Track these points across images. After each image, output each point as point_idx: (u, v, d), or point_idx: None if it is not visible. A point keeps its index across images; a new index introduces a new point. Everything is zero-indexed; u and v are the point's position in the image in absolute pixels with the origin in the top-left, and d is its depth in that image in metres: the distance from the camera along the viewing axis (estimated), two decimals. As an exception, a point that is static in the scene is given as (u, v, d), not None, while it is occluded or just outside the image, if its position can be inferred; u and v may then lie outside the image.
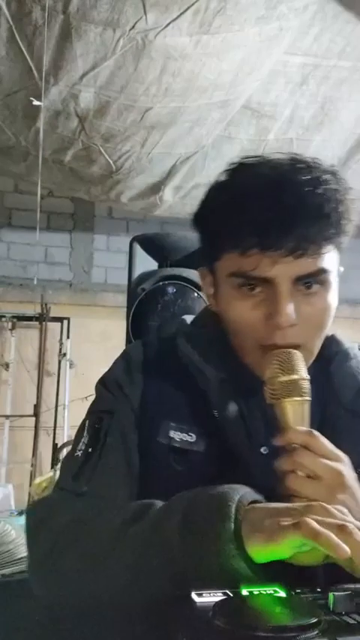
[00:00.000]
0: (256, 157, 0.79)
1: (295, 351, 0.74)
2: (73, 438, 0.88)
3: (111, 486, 0.79)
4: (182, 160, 3.51)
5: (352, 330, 5.14)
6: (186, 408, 0.83)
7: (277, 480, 0.69)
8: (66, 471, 0.84)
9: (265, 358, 0.74)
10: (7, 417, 4.28)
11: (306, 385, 0.72)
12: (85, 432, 0.85)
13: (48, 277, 4.66)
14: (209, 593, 0.53)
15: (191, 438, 0.81)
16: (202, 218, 0.82)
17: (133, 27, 2.49)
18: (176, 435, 0.81)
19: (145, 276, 2.22)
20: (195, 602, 0.51)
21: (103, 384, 0.90)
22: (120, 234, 4.86)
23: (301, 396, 0.71)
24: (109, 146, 3.31)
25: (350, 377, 0.86)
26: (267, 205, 0.71)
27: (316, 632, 0.45)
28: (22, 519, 2.60)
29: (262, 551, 0.57)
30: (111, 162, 3.44)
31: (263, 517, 0.59)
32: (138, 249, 2.28)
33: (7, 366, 4.39)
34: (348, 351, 0.90)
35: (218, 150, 3.47)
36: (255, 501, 0.63)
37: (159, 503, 0.69)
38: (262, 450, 0.80)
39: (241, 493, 0.63)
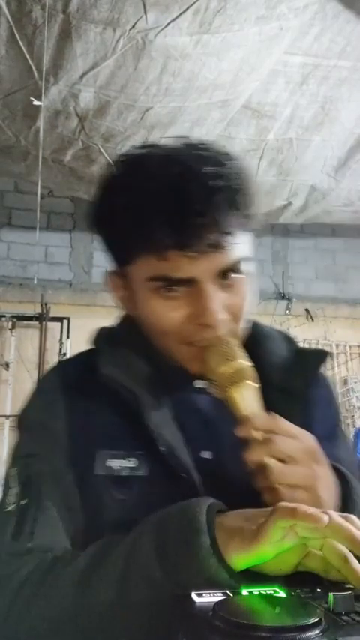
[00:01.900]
0: (145, 146, 0.76)
1: (231, 339, 0.72)
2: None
3: (57, 535, 0.71)
4: (182, 160, 3.51)
5: (352, 330, 5.17)
6: (119, 431, 0.76)
7: (227, 484, 0.67)
8: (1, 531, 0.72)
9: (197, 354, 0.72)
10: (7, 417, 4.28)
11: (252, 371, 0.70)
12: (15, 481, 0.75)
13: (48, 277, 4.67)
14: (209, 593, 0.53)
15: (131, 462, 0.74)
16: (105, 220, 0.76)
17: (133, 27, 2.49)
18: (114, 464, 0.74)
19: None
20: (195, 602, 0.51)
21: (22, 424, 0.82)
22: (120, 234, 4.85)
23: (252, 381, 0.69)
24: (109, 146, 3.31)
25: (276, 356, 0.83)
26: (177, 203, 0.67)
27: (316, 632, 0.45)
28: None
29: (242, 557, 0.56)
30: (111, 162, 3.44)
31: (237, 523, 0.58)
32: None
33: (7, 365, 4.39)
34: (270, 332, 0.88)
35: (218, 150, 3.47)
36: (221, 511, 0.61)
37: (115, 538, 0.65)
38: (206, 455, 0.76)
39: (207, 504, 0.60)
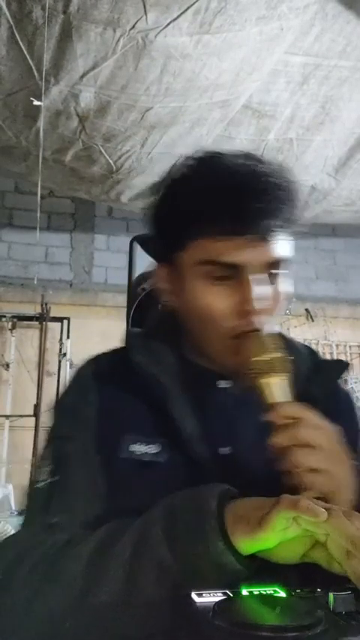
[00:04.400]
0: (211, 152, 0.81)
1: (271, 332, 0.76)
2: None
3: (81, 513, 0.76)
4: (182, 160, 3.51)
5: (352, 330, 5.16)
6: (145, 419, 0.81)
7: (242, 479, 0.70)
8: (33, 504, 0.81)
9: (232, 346, 0.76)
10: (7, 417, 4.29)
11: (286, 362, 0.74)
12: (47, 460, 0.82)
13: (48, 277, 4.67)
14: (209, 593, 0.53)
15: (153, 449, 0.79)
16: (166, 208, 0.82)
17: (134, 27, 2.49)
18: (138, 448, 0.79)
19: (145, 276, 2.22)
20: (195, 602, 0.51)
21: (58, 409, 0.89)
22: (120, 234, 4.86)
23: (286, 372, 0.73)
24: (109, 146, 3.31)
25: (299, 366, 0.85)
26: (240, 192, 0.74)
27: (316, 632, 0.45)
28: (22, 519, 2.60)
29: (248, 542, 0.58)
30: (111, 162, 3.44)
31: (245, 510, 0.61)
32: (138, 249, 2.28)
33: (7, 366, 4.39)
34: (294, 343, 0.92)
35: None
36: (233, 497, 0.64)
37: (127, 521, 0.68)
38: (225, 450, 0.80)
39: (219, 490, 0.64)
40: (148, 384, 0.82)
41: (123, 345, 0.91)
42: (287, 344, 0.87)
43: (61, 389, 0.91)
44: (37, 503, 0.79)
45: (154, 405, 0.81)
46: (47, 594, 0.66)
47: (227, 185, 0.75)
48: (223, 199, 0.74)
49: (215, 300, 0.76)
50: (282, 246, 0.77)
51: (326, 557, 0.58)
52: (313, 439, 0.68)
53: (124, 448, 0.79)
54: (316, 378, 0.86)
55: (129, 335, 0.92)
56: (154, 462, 0.78)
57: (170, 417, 0.79)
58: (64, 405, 0.88)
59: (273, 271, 0.77)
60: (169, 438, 0.79)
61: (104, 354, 0.92)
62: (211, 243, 0.75)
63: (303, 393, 0.80)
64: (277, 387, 0.72)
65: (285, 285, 0.80)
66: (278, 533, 0.57)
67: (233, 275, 0.75)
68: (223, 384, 0.83)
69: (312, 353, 0.93)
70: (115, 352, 0.92)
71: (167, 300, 0.86)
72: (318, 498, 0.61)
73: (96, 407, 0.83)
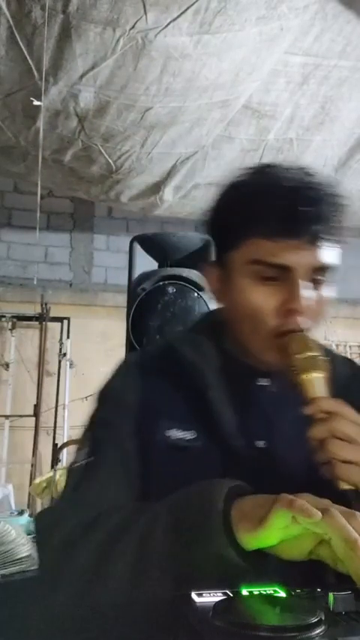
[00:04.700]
0: (268, 163, 0.87)
1: (312, 334, 0.81)
2: (73, 438, 0.89)
3: (110, 496, 0.81)
4: (182, 160, 3.51)
5: (352, 330, 5.16)
6: (184, 407, 0.86)
7: (275, 473, 0.73)
8: (68, 481, 0.87)
9: (275, 344, 0.80)
10: (7, 417, 4.28)
11: (325, 363, 0.78)
12: (86, 442, 0.87)
13: (48, 277, 4.67)
14: (209, 593, 0.53)
15: (190, 435, 0.83)
16: (224, 208, 0.86)
17: (133, 26, 2.49)
18: (175, 433, 0.83)
19: (145, 276, 2.22)
20: (195, 602, 0.51)
21: (102, 392, 0.93)
22: (120, 234, 4.86)
23: (326, 371, 0.77)
24: (108, 146, 3.30)
25: (338, 374, 0.88)
26: (295, 197, 0.78)
27: (316, 632, 0.45)
28: (22, 519, 2.60)
29: (251, 537, 0.60)
30: (111, 162, 3.44)
31: (249, 507, 0.63)
32: (138, 249, 2.28)
33: (7, 366, 4.39)
34: (333, 352, 0.95)
35: (218, 150, 3.46)
36: (243, 493, 0.66)
37: (144, 506, 0.72)
38: (260, 444, 0.83)
39: (228, 486, 0.66)
40: (189, 374, 0.86)
41: (168, 340, 0.96)
42: (326, 350, 0.92)
43: (105, 379, 0.95)
44: (73, 481, 0.85)
45: (194, 394, 0.85)
46: (64, 571, 0.72)
47: (284, 190, 0.79)
48: (279, 202, 0.78)
49: (263, 298, 0.80)
50: (329, 252, 0.81)
51: (332, 555, 0.59)
52: (349, 432, 0.70)
53: (161, 433, 0.83)
54: (353, 384, 0.90)
55: (175, 332, 0.98)
56: (189, 447, 0.82)
57: (209, 407, 0.83)
58: (107, 391, 0.92)
59: (319, 277, 0.81)
60: (206, 427, 0.83)
61: (150, 346, 0.98)
62: (264, 243, 0.79)
63: (340, 394, 0.83)
64: (318, 383, 0.76)
65: (329, 291, 0.84)
66: (279, 531, 0.59)
67: (281, 276, 0.79)
68: (262, 381, 0.87)
69: (352, 363, 0.98)
70: (160, 345, 0.98)
71: (216, 299, 0.91)
72: (352, 490, 0.66)
73: (138, 393, 0.88)
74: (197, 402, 0.84)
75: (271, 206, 0.79)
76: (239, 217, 0.83)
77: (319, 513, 0.57)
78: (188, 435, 0.83)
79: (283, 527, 0.59)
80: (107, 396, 0.91)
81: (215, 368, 0.87)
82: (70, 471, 0.88)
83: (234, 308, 0.85)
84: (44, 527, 0.82)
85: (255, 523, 0.60)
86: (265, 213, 0.79)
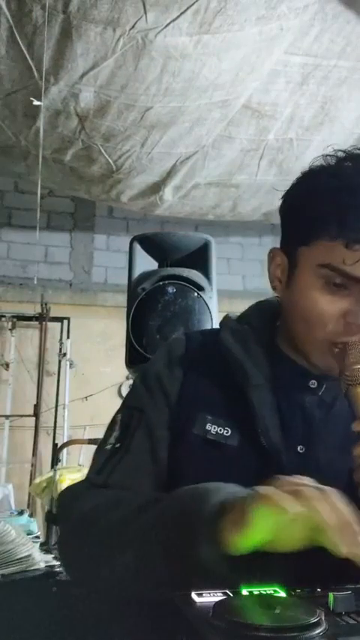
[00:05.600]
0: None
1: None
2: (73, 438, 0.89)
3: (133, 482, 0.80)
4: (182, 160, 3.51)
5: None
6: (224, 402, 0.83)
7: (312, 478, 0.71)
8: (94, 462, 0.86)
9: (330, 350, 0.77)
10: (7, 416, 4.28)
11: None
12: (117, 425, 0.86)
13: (48, 277, 4.67)
14: (209, 593, 0.53)
15: (227, 432, 0.81)
16: (304, 198, 0.82)
17: (134, 26, 2.49)
18: (212, 428, 0.81)
19: (146, 276, 2.22)
20: (195, 602, 0.51)
21: (142, 377, 0.91)
22: (120, 233, 4.86)
23: None
24: (109, 145, 3.30)
25: None
26: None
27: (316, 632, 0.45)
28: (22, 519, 2.60)
29: (236, 541, 0.58)
30: (111, 161, 3.44)
31: (237, 511, 0.60)
32: (138, 249, 2.28)
33: (7, 365, 4.39)
34: None
35: (218, 150, 3.46)
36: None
37: (160, 497, 0.72)
38: (299, 448, 0.80)
39: (222, 496, 0.63)
40: (232, 370, 0.84)
41: (216, 330, 0.92)
42: None
43: (151, 360, 0.93)
44: (99, 462, 0.84)
45: (236, 391, 0.82)
46: (80, 549, 0.74)
47: None
48: None
49: (327, 304, 0.77)
50: None
51: (326, 538, 0.58)
52: None
53: (200, 425, 0.82)
54: None
55: (224, 320, 0.93)
56: (224, 444, 0.80)
57: (250, 405, 0.80)
58: (149, 374, 0.90)
59: None
60: (244, 425, 0.80)
61: (196, 333, 0.95)
62: (340, 248, 0.74)
63: None
64: None
65: None
66: (265, 525, 0.57)
67: (350, 286, 0.76)
68: (311, 384, 0.84)
69: None
70: (207, 333, 0.95)
71: (274, 286, 0.87)
72: None
73: (180, 381, 0.86)
74: (239, 398, 0.82)
75: (356, 210, 0.74)
76: (316, 213, 0.78)
77: (295, 504, 0.56)
78: (225, 431, 0.81)
79: (268, 521, 0.57)
80: (147, 382, 0.89)
81: (260, 364, 0.84)
82: (98, 451, 0.87)
83: (293, 305, 0.81)
84: (68, 503, 0.83)
85: (237, 525, 0.58)
86: (349, 214, 0.74)
